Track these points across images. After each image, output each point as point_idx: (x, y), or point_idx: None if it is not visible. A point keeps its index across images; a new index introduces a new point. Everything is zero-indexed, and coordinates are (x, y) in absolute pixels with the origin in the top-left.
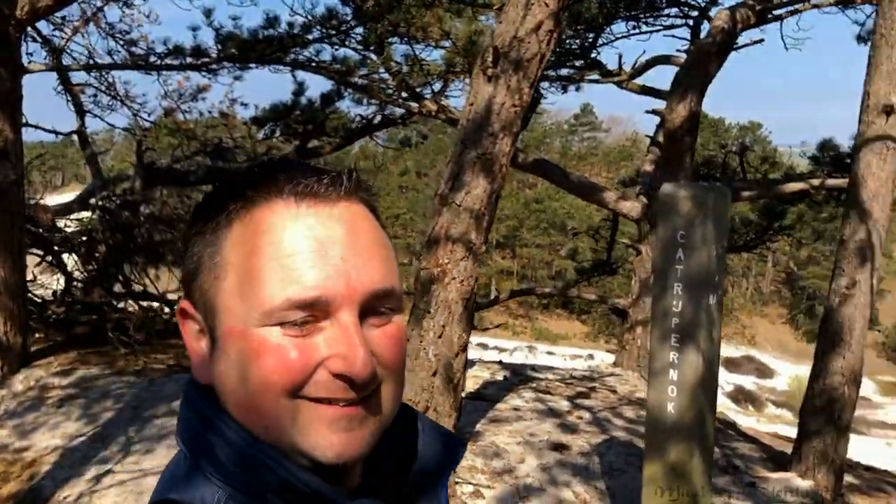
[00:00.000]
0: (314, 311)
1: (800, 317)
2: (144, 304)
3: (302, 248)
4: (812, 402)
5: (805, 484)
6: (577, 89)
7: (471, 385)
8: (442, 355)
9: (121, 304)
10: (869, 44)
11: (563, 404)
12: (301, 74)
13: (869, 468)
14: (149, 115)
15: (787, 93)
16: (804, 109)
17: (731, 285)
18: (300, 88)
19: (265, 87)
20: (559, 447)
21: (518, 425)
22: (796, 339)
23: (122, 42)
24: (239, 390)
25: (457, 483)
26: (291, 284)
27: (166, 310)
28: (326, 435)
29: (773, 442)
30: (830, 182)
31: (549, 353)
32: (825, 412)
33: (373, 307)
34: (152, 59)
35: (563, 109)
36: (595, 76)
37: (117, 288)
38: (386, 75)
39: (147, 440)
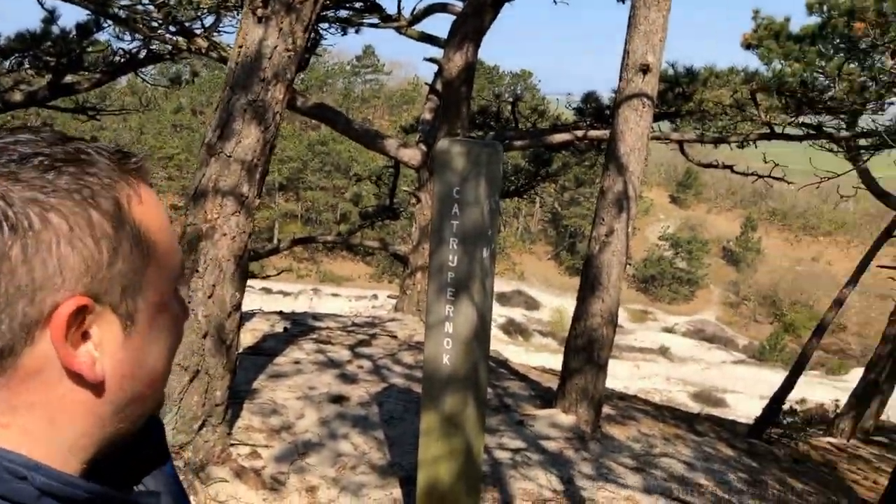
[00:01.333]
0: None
1: (563, 253)
2: None
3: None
4: (575, 343)
5: (568, 419)
6: (357, 32)
7: (248, 339)
8: (213, 316)
9: None
10: (629, 3)
11: (344, 354)
12: (51, 1)
13: (622, 396)
14: None
15: (556, 43)
16: (571, 60)
17: (502, 225)
18: (50, 16)
19: (11, 13)
20: (339, 399)
21: (298, 379)
22: (560, 273)
23: None
24: (157, 366)
25: (232, 445)
26: (177, 252)
27: None
28: None
29: (542, 377)
30: (592, 133)
31: (335, 294)
32: (586, 351)
33: None
34: None
35: (344, 50)
36: (374, 20)
37: None
38: (151, 7)
39: None
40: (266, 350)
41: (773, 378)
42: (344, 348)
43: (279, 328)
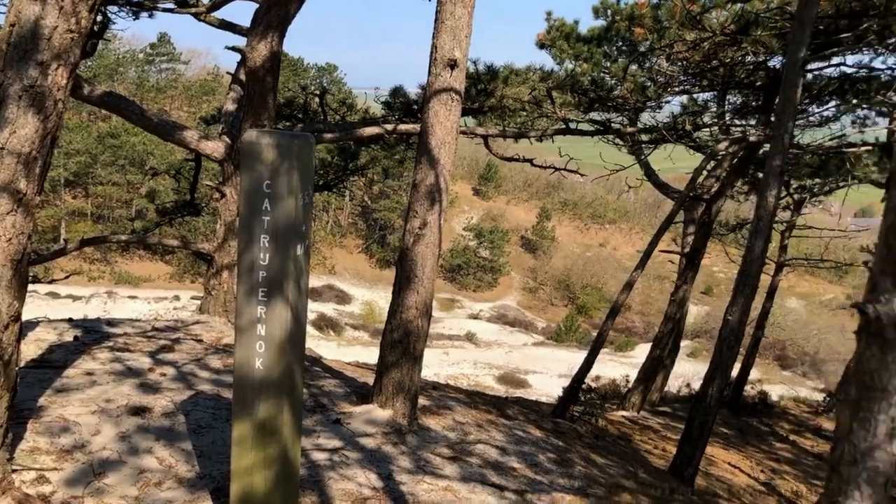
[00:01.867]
0: None
1: (374, 246)
2: None
3: None
4: (391, 336)
5: (385, 414)
6: (151, 16)
7: (32, 351)
8: None
9: None
10: (435, 0)
11: (145, 361)
12: None
13: (436, 386)
14: None
15: (361, 37)
16: (377, 54)
17: (312, 220)
18: None
19: None
20: (140, 411)
21: (92, 392)
22: (371, 266)
23: None
24: None
25: (14, 471)
26: None
27: None
28: None
29: (357, 373)
30: (402, 127)
31: (132, 297)
32: (402, 344)
33: None
34: None
35: (137, 37)
36: (170, 5)
37: None
38: None
39: None
40: (54, 362)
41: (570, 357)
42: (144, 355)
43: (69, 337)
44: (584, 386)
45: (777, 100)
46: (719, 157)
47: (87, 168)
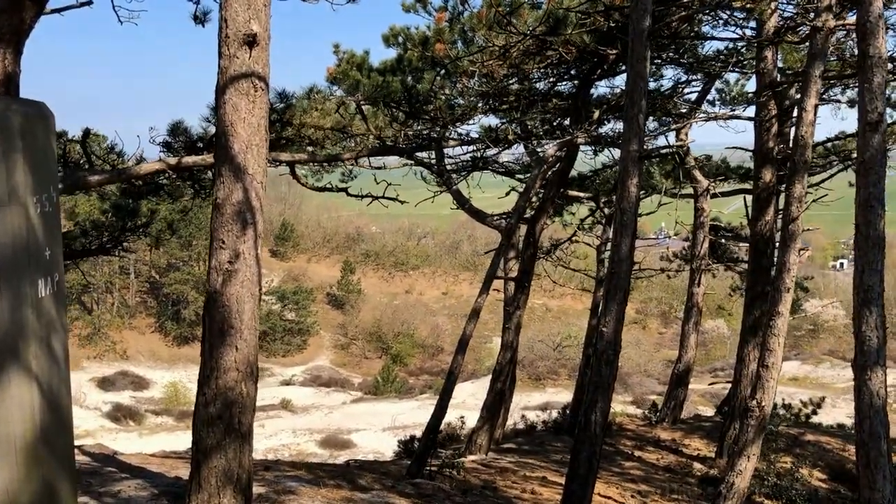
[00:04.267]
0: None
1: (167, 323)
2: None
3: None
4: (206, 412)
5: None
6: None
7: None
8: None
9: None
10: None
11: None
12: None
13: (266, 465)
14: None
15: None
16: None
17: (95, 303)
18: None
19: None
20: None
21: None
22: (167, 345)
23: None
24: None
25: None
26: None
27: None
28: None
29: (164, 465)
30: (188, 159)
31: None
32: (222, 420)
33: None
34: None
35: None
36: None
37: None
38: None
39: None
40: None
41: (391, 409)
42: None
43: None
44: (419, 435)
45: (626, 80)
46: (527, 180)
47: None
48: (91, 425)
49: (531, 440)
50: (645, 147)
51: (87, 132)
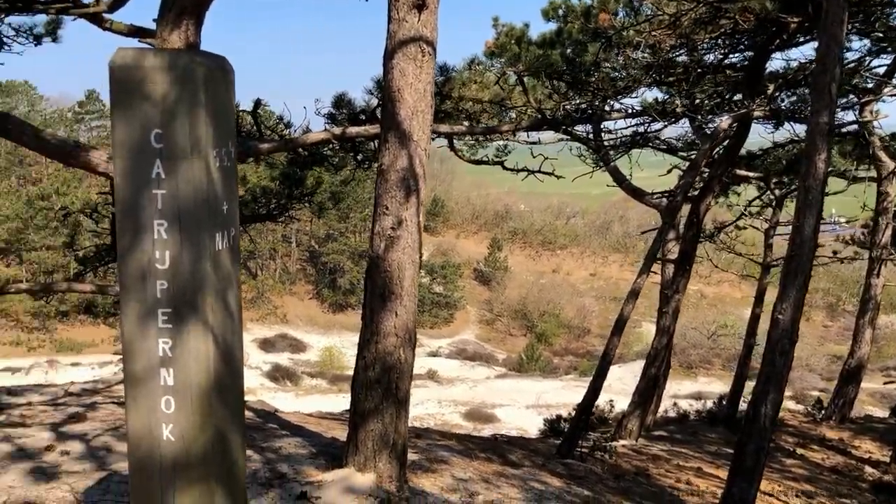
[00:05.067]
0: None
1: (324, 290)
2: None
3: None
4: (365, 375)
5: (365, 479)
6: (55, 40)
7: None
8: None
9: None
10: None
11: (42, 438)
12: None
13: (417, 432)
14: None
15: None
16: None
17: (259, 268)
18: None
19: None
20: None
21: None
22: (323, 311)
23: None
24: None
25: None
26: None
27: None
28: None
29: (322, 426)
30: (352, 129)
31: (75, 364)
32: (381, 384)
33: None
34: None
35: (65, 96)
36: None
37: None
38: None
39: None
40: None
41: (534, 387)
42: (44, 429)
43: None
44: (567, 416)
45: (818, 46)
46: (695, 156)
47: (19, 234)
48: (252, 383)
49: (683, 429)
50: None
51: (257, 102)
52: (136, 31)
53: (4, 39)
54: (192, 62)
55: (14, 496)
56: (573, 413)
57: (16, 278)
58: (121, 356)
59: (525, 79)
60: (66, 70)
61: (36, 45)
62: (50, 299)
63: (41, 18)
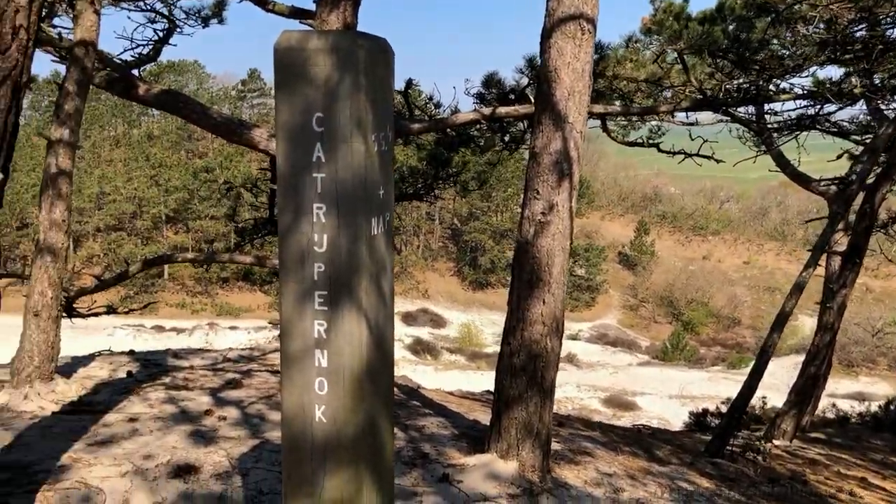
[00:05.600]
0: None
1: (465, 268)
2: None
3: None
4: (510, 362)
5: (508, 467)
6: (220, 21)
7: (73, 391)
8: None
9: None
10: None
11: (203, 402)
12: None
13: (559, 421)
14: None
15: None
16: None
17: (403, 244)
18: None
19: None
20: (185, 471)
21: (130, 444)
22: (464, 288)
23: None
24: None
25: None
26: None
27: None
28: None
29: (463, 407)
30: (502, 110)
31: (233, 327)
32: (526, 372)
33: None
34: None
35: (229, 75)
36: None
37: None
38: None
39: None
40: (95, 406)
41: (679, 376)
42: (204, 394)
43: (122, 373)
44: (714, 410)
45: None
46: (874, 140)
47: (186, 204)
48: (395, 355)
49: (843, 433)
50: None
51: (409, 82)
52: (296, 13)
53: (177, 22)
54: (354, 44)
55: (176, 457)
56: (721, 407)
57: (182, 245)
58: (274, 323)
59: (685, 57)
60: (231, 50)
61: (203, 26)
62: (211, 268)
63: (209, 1)
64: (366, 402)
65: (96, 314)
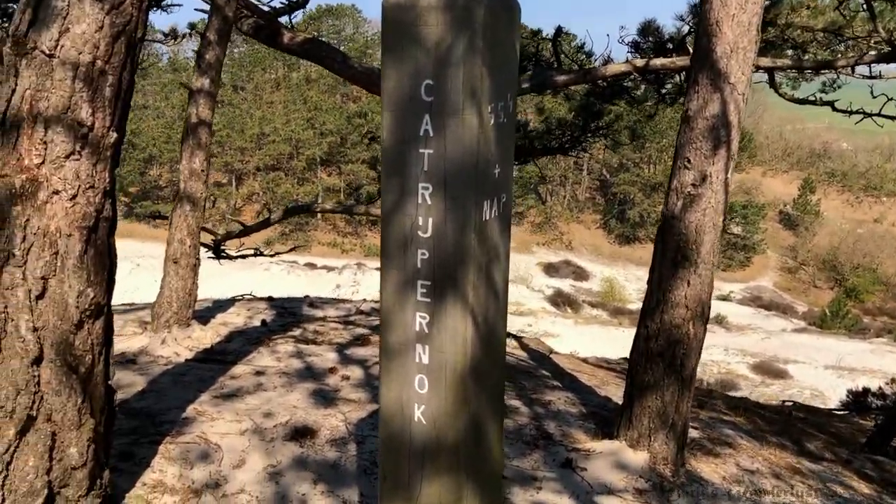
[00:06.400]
0: None
1: (612, 221)
2: None
3: None
4: (646, 345)
5: (637, 458)
6: None
7: (209, 339)
8: (49, 329)
9: None
10: None
11: (329, 358)
12: None
13: (703, 400)
14: None
15: None
16: None
17: (549, 194)
18: None
19: None
20: (301, 434)
21: (253, 400)
22: (609, 242)
23: None
24: None
25: None
26: None
27: None
28: None
29: (596, 379)
30: (657, 62)
31: (378, 268)
32: (663, 359)
33: None
34: None
35: None
36: None
37: None
38: None
39: None
40: (226, 355)
41: (837, 346)
42: (332, 349)
43: (257, 321)
44: (877, 390)
45: None
46: None
47: (339, 147)
48: (534, 306)
49: None
50: None
51: (558, 30)
52: None
53: None
54: (471, 0)
55: (296, 417)
56: (885, 388)
57: (335, 187)
58: None
59: (874, 2)
60: None
61: None
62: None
63: None
64: (470, 406)
65: (243, 256)
